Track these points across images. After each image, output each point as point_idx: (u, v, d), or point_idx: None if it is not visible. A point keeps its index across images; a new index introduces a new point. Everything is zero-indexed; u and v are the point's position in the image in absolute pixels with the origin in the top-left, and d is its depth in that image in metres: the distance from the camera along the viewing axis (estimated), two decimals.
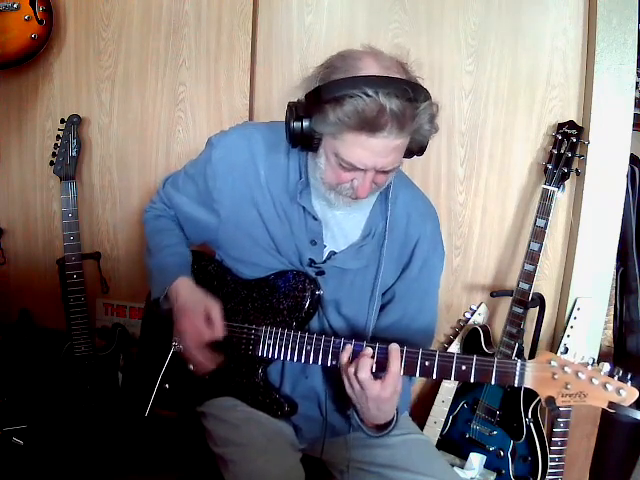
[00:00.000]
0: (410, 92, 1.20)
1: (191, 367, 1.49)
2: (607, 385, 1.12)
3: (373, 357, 1.30)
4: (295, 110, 1.29)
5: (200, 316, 1.44)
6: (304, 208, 1.44)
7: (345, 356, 1.33)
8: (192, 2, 2.06)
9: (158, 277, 1.56)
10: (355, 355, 1.32)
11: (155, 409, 1.58)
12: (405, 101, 1.19)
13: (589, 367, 1.14)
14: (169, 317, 1.49)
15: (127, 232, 2.25)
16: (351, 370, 1.30)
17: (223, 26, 2.07)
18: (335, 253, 1.48)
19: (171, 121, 2.15)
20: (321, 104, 1.23)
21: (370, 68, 1.24)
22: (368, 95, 1.17)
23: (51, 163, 2.07)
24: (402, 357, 1.29)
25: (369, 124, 1.20)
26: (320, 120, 1.25)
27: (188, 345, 1.45)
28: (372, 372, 1.29)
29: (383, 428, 1.41)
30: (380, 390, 1.28)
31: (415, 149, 1.33)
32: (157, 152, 2.18)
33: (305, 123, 1.28)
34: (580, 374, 1.13)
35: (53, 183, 2.23)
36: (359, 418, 1.41)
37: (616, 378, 1.12)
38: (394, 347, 1.29)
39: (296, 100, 1.32)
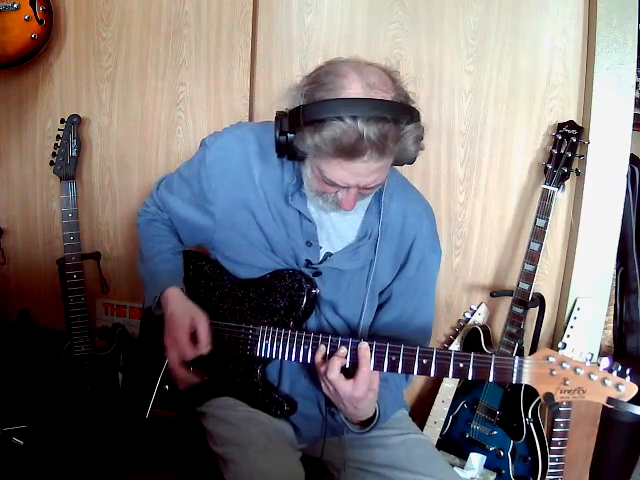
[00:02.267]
0: (392, 115, 1.18)
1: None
2: (606, 381, 1.12)
3: (346, 357, 1.32)
4: (280, 123, 1.28)
5: (184, 332, 1.44)
6: (298, 210, 1.44)
7: (319, 356, 1.34)
8: (192, 2, 2.07)
9: (150, 284, 1.57)
10: (353, 356, 1.32)
11: (155, 409, 1.58)
12: (387, 125, 1.17)
13: (588, 363, 1.14)
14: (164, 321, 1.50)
15: (127, 232, 2.25)
16: (322, 370, 1.32)
17: (223, 26, 2.07)
18: (331, 254, 1.48)
19: (171, 121, 2.15)
20: (301, 126, 1.22)
21: (354, 87, 1.21)
22: (346, 122, 1.15)
23: (51, 163, 2.07)
24: (399, 357, 1.28)
25: (346, 151, 1.19)
26: (300, 140, 1.24)
27: (169, 360, 1.47)
28: (347, 370, 1.31)
29: (367, 424, 1.41)
30: (352, 390, 1.30)
31: (401, 163, 1.32)
32: (157, 152, 2.18)
33: (289, 136, 1.27)
34: (579, 370, 1.13)
35: (53, 183, 2.24)
36: (344, 416, 1.42)
37: (615, 374, 1.12)
38: (363, 346, 1.30)
39: (283, 110, 1.30)
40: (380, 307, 1.55)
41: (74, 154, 2.07)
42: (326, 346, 1.36)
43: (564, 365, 1.14)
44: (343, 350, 1.32)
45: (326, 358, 1.34)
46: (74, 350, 2.10)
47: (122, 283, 2.30)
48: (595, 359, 1.14)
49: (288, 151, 1.29)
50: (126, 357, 2.18)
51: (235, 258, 1.53)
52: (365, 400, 1.32)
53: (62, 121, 2.06)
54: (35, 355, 2.19)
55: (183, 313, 1.46)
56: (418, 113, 1.25)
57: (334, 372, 1.29)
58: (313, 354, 1.37)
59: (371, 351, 1.31)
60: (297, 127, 1.24)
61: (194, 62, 2.10)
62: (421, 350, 1.27)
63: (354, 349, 1.32)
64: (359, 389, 1.29)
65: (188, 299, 1.51)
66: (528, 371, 1.18)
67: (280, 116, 1.29)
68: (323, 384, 1.34)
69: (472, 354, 1.23)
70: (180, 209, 1.57)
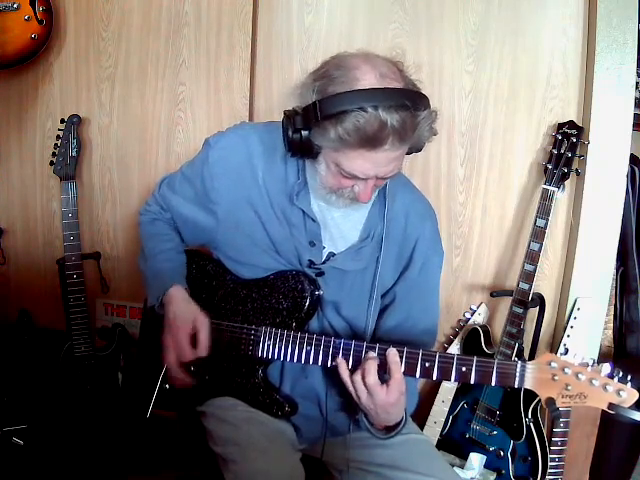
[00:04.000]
0: (410, 103, 1.19)
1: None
2: (607, 386, 1.11)
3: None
4: (293, 121, 1.27)
5: (185, 333, 1.44)
6: (302, 210, 1.44)
7: (342, 368, 1.33)
8: (192, 2, 2.06)
9: (153, 283, 1.56)
10: (356, 358, 1.32)
11: (155, 409, 1.58)
12: (405, 113, 1.19)
13: (589, 368, 1.14)
14: None
15: (127, 232, 2.25)
16: (357, 377, 1.30)
17: (223, 26, 2.06)
18: (334, 254, 1.48)
19: (171, 121, 2.15)
20: (320, 120, 1.21)
21: (367, 78, 1.21)
22: (368, 111, 1.16)
23: (51, 163, 2.07)
24: (402, 360, 1.28)
25: (370, 140, 1.19)
26: (319, 135, 1.24)
27: (167, 360, 1.46)
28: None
29: (392, 429, 1.41)
30: (386, 396, 1.28)
31: (413, 150, 1.33)
32: (157, 152, 2.18)
33: (304, 133, 1.26)
34: (580, 375, 1.13)
35: (53, 183, 2.23)
36: (369, 422, 1.40)
37: (616, 379, 1.11)
38: (392, 352, 1.29)
39: (292, 109, 1.29)
40: (384, 310, 1.55)
41: (74, 154, 2.07)
42: (329, 348, 1.35)
43: (566, 370, 1.14)
44: (372, 354, 1.30)
45: (349, 366, 1.33)
46: (74, 350, 2.10)
47: (122, 283, 2.30)
48: (596, 364, 1.14)
49: (302, 149, 1.29)
50: (126, 357, 2.18)
51: (238, 258, 1.52)
52: (397, 405, 1.32)
53: (62, 121, 2.06)
54: (35, 355, 2.19)
55: (185, 314, 1.46)
56: (429, 100, 1.27)
57: (373, 376, 1.28)
58: (315, 355, 1.37)
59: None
60: (314, 123, 1.23)
61: (194, 62, 2.10)
62: (424, 353, 1.27)
63: (358, 352, 1.32)
64: (392, 395, 1.28)
65: (191, 300, 1.50)
66: (530, 376, 1.17)
67: (291, 114, 1.29)
68: (354, 392, 1.32)
69: (475, 358, 1.22)
70: (183, 208, 1.57)
